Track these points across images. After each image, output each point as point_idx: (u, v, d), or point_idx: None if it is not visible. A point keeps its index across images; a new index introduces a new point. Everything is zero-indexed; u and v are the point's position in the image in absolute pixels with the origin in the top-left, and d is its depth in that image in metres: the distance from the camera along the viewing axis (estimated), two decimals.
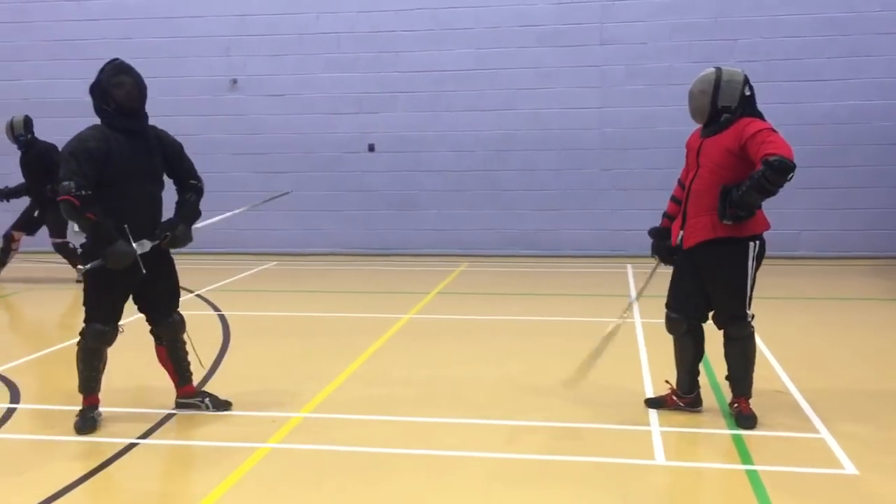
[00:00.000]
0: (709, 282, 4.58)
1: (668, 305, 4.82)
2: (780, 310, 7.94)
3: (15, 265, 10.74)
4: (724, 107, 4.44)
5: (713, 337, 4.77)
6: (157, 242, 4.59)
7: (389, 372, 5.81)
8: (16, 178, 9.79)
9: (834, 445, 4.30)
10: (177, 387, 4.95)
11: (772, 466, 4.05)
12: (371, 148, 12.04)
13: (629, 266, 10.40)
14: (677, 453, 4.30)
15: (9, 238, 9.79)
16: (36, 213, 9.67)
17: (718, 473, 4.05)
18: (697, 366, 4.80)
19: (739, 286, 4.49)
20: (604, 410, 4.90)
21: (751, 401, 4.64)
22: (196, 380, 5.09)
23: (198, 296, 8.76)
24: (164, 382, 5.05)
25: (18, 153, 9.61)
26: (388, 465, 4.16)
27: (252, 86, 12.16)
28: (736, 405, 4.65)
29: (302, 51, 11.96)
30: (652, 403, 4.90)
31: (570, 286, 9.34)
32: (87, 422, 4.62)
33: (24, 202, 9.88)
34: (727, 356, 4.65)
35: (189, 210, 4.83)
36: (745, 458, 4.17)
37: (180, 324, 4.86)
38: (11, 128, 9.45)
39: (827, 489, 3.83)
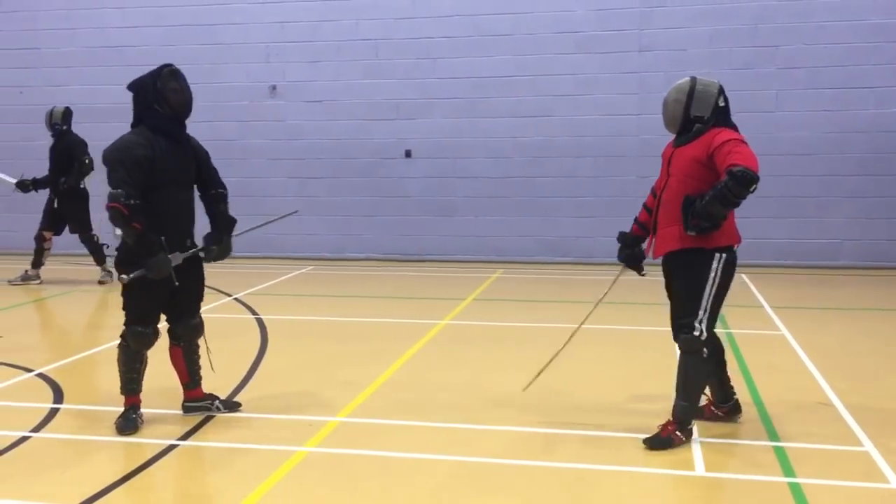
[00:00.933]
0: (673, 291, 4.53)
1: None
2: (821, 320, 7.82)
3: (55, 267, 10.94)
4: (697, 116, 4.38)
5: (751, 349, 4.70)
6: (188, 254, 4.66)
7: (425, 378, 5.81)
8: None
9: (879, 459, 4.22)
10: (185, 389, 4.96)
11: (815, 480, 3.97)
12: (408, 154, 12.08)
13: None
14: (717, 465, 4.23)
15: (40, 238, 10.02)
16: (55, 205, 9.91)
17: (760, 486, 3.98)
18: (721, 374, 4.68)
19: (694, 294, 4.34)
20: (641, 420, 4.84)
21: (784, 412, 4.52)
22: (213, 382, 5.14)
23: (235, 299, 8.85)
24: (203, 384, 5.10)
25: (51, 142, 9.93)
26: (424, 470, 4.16)
27: (291, 92, 12.27)
28: (665, 423, 4.43)
29: (340, 57, 12.05)
30: None
31: (608, 294, 9.24)
32: (129, 422, 4.69)
33: (41, 197, 10.11)
34: (677, 370, 4.47)
35: (227, 222, 4.91)
36: (788, 470, 4.10)
37: (200, 326, 4.92)
38: (51, 116, 9.85)
39: None
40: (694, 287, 4.36)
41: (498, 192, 11.85)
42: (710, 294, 4.36)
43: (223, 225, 4.88)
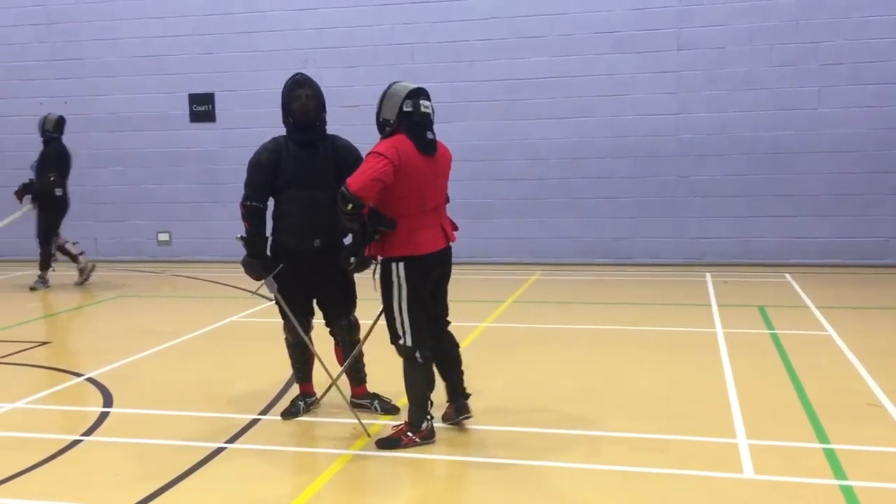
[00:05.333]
0: None
1: None
2: (868, 320, 7.68)
3: (102, 273, 11.13)
4: (386, 119, 4.44)
5: (798, 350, 4.63)
6: (274, 272, 4.83)
7: (466, 381, 5.80)
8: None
9: None
10: (351, 387, 5.12)
11: (867, 482, 3.91)
12: None
13: (707, 275, 10.19)
14: (766, 467, 4.16)
15: (60, 246, 10.29)
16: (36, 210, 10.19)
17: (811, 489, 3.92)
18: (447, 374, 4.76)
19: (387, 305, 4.46)
20: (687, 422, 4.81)
21: (833, 413, 4.45)
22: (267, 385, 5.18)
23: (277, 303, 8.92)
24: (249, 387, 5.16)
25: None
26: (467, 474, 4.16)
27: (327, 97, 12.04)
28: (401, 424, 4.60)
29: (377, 62, 12.10)
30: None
31: (647, 295, 9.20)
32: (292, 407, 5.04)
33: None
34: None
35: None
36: (839, 473, 4.04)
37: (350, 327, 5.06)
38: (43, 122, 10.18)
39: None
40: (385, 296, 4.47)
41: (535, 193, 11.82)
42: (397, 301, 4.41)
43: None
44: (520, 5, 11.58)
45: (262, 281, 4.85)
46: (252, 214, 4.77)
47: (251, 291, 4.98)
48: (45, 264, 10.23)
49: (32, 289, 10.12)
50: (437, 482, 4.05)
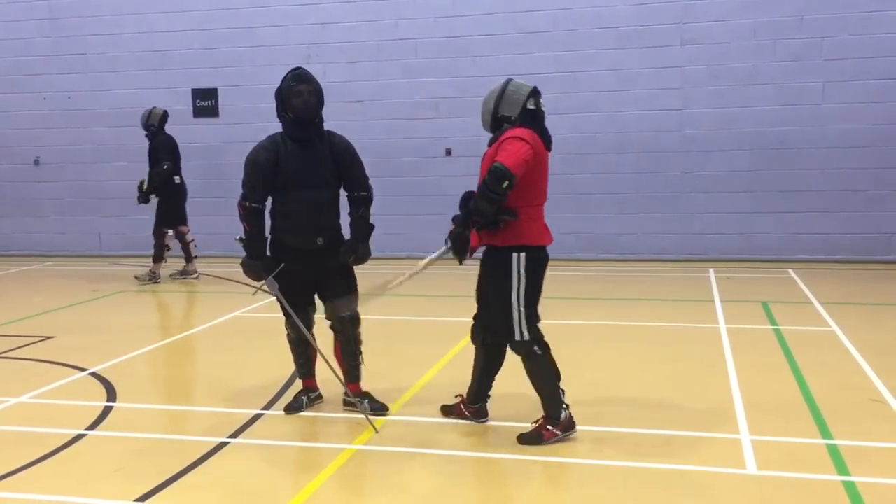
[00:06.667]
0: (485, 292, 4.55)
1: (474, 316, 4.76)
2: (872, 316, 7.67)
3: (105, 268, 11.15)
4: (505, 116, 4.41)
5: (801, 346, 4.62)
6: (275, 272, 4.77)
7: (469, 376, 5.80)
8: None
9: None
10: (345, 382, 5.05)
11: (871, 478, 3.90)
12: (448, 152, 12.09)
13: (711, 270, 10.18)
14: (769, 463, 4.16)
15: (179, 235, 10.28)
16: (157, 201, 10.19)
17: (814, 485, 3.92)
18: (487, 381, 4.72)
19: (504, 298, 4.36)
20: (691, 417, 4.81)
21: (837, 409, 4.45)
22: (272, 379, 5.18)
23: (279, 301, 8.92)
24: (252, 382, 5.17)
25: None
26: (474, 469, 4.16)
27: (331, 92, 12.08)
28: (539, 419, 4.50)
29: (380, 57, 12.10)
30: (445, 410, 4.88)
31: (652, 291, 9.19)
32: (295, 402, 5.03)
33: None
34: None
35: (363, 229, 5.05)
36: (842, 469, 4.03)
37: (350, 320, 4.99)
38: (148, 117, 10.14)
39: None
40: (501, 294, 4.36)
41: None
42: (518, 299, 4.33)
43: (360, 234, 5.02)
44: (523, 1, 11.56)
45: (263, 281, 4.81)
46: (252, 215, 4.72)
47: (255, 288, 4.94)
48: (158, 256, 10.16)
49: (136, 277, 10.14)
50: (440, 478, 4.05)
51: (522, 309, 4.35)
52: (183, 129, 12.28)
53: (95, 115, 12.89)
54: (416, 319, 7.94)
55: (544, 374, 4.46)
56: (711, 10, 11.02)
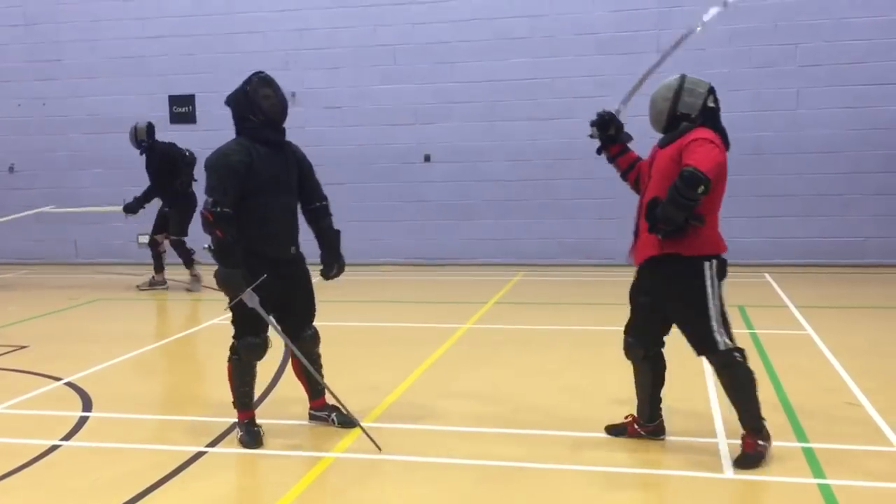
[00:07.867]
0: (665, 304, 4.32)
1: (625, 330, 4.59)
2: (847, 319, 7.74)
3: (84, 276, 11.05)
4: (683, 114, 4.21)
5: (777, 349, 4.66)
6: (255, 284, 4.43)
7: (449, 382, 5.81)
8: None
9: None
10: (309, 399, 4.95)
11: (845, 481, 3.94)
12: (427, 158, 12.11)
13: None
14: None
15: (154, 244, 10.20)
16: (166, 209, 10.09)
17: (789, 488, 3.95)
18: (658, 394, 4.54)
19: (700, 309, 4.11)
20: (668, 422, 4.82)
21: (812, 413, 4.48)
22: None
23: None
24: (228, 392, 5.12)
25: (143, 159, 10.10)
26: (451, 475, 4.16)
27: (310, 99, 12.32)
28: (741, 439, 4.23)
29: (358, 63, 12.10)
30: (613, 431, 4.65)
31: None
32: (253, 435, 4.61)
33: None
34: (722, 387, 4.30)
35: (335, 239, 4.94)
36: (817, 471, 4.07)
37: (315, 337, 4.87)
38: (135, 134, 9.98)
39: None
40: (696, 303, 4.12)
41: (518, 195, 11.84)
42: (715, 307, 4.10)
43: (335, 244, 4.92)
44: (501, 7, 11.61)
45: (240, 295, 4.39)
46: (223, 221, 4.32)
47: (230, 302, 4.49)
48: (189, 261, 10.05)
49: (189, 290, 10.03)
50: (421, 485, 4.04)
51: (721, 317, 4.12)
52: (160, 135, 12.20)
53: (71, 122, 12.81)
54: (392, 325, 7.92)
55: (747, 382, 4.16)
56: (687, 17, 11.03)
